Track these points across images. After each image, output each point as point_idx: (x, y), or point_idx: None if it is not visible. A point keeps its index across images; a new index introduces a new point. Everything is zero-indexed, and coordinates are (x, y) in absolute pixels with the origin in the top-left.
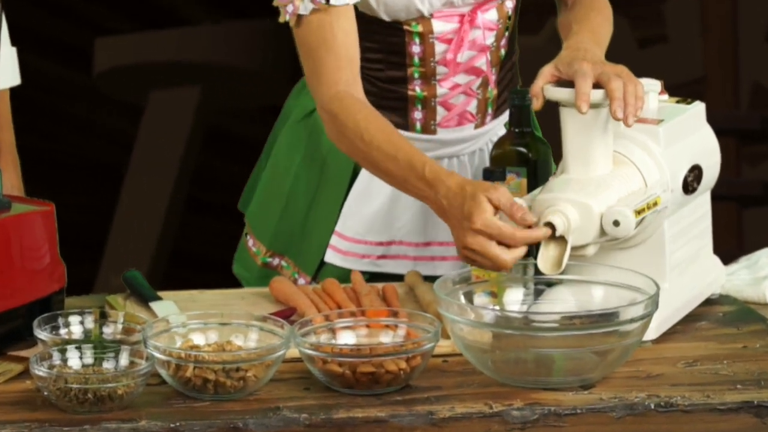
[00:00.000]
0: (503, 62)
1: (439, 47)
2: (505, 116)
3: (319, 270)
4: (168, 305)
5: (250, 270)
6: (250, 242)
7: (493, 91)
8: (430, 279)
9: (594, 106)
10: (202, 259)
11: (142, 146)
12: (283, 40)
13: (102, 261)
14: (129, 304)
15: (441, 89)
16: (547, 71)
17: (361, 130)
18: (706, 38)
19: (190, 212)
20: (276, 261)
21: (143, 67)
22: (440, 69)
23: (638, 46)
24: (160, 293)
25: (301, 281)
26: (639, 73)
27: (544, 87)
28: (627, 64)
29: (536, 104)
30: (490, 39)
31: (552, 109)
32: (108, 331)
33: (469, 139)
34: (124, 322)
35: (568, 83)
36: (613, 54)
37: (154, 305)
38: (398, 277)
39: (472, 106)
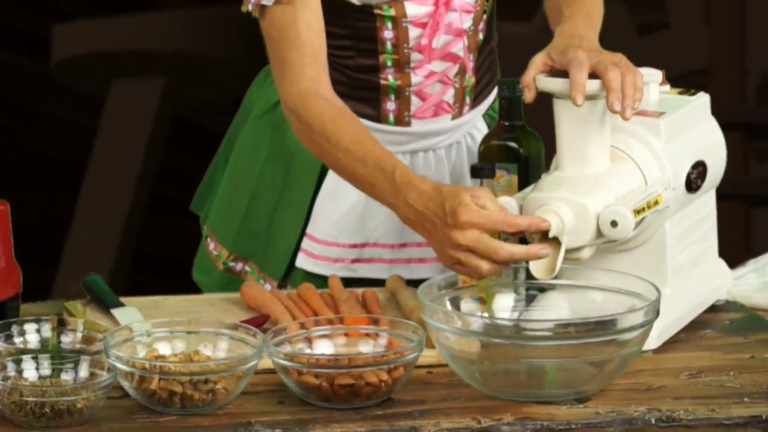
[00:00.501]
0: (481, 48)
1: (413, 32)
2: (483, 107)
3: (288, 275)
4: (131, 312)
5: (210, 276)
6: (211, 246)
7: (470, 79)
8: (411, 283)
9: (590, 97)
10: (167, 263)
11: (103, 141)
12: (254, 27)
13: (60, 265)
14: (89, 311)
15: (416, 77)
16: (539, 60)
17: (327, 132)
18: (711, 25)
19: (155, 212)
20: (239, 266)
21: (105, 55)
22: (414, 56)
23: (638, 33)
24: (123, 299)
25: (267, 287)
26: (638, 62)
27: (536, 77)
28: (625, 52)
29: (528, 96)
30: (467, 23)
31: (545, 101)
32: (66, 340)
33: (446, 131)
34: (84, 331)
35: (562, 73)
36: (611, 41)
37: (116, 312)
38: (374, 282)
39: (449, 95)
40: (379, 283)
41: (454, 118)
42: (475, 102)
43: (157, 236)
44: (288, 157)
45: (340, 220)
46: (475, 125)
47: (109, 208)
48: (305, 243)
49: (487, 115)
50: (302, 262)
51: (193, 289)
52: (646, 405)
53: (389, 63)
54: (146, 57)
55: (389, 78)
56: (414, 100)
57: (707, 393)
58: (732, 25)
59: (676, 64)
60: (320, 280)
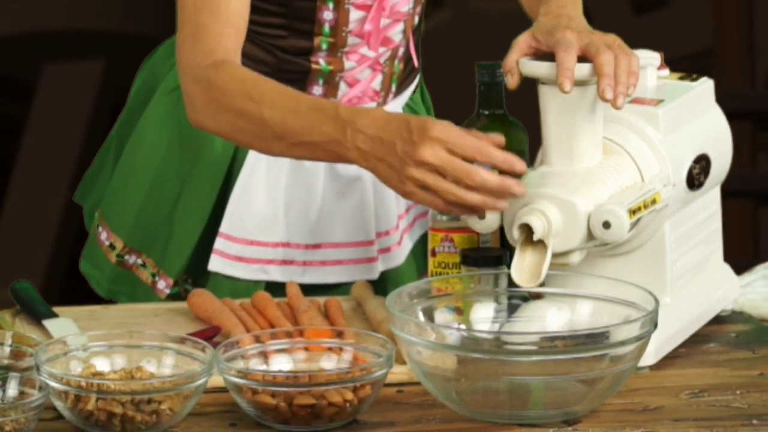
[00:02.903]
0: (414, 31)
1: (354, 14)
2: (405, 96)
3: (204, 283)
4: (65, 323)
5: (101, 268)
6: (103, 235)
7: (399, 65)
8: (319, 288)
9: (579, 83)
10: None
11: (34, 132)
12: None
13: None
14: (18, 322)
15: (348, 63)
16: (522, 42)
17: (248, 88)
18: (715, 1)
19: None
20: (132, 259)
21: (36, 35)
22: (352, 40)
23: (633, 12)
24: (56, 309)
25: (161, 284)
26: (634, 43)
27: (519, 61)
28: (620, 33)
29: (510, 81)
30: (408, 5)
31: (529, 87)
32: None
33: None
34: (13, 345)
35: (548, 56)
36: (603, 21)
37: (48, 323)
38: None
39: (377, 81)
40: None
41: (378, 106)
42: (399, 89)
43: None
44: (197, 139)
45: (257, 215)
46: None
47: (42, 208)
48: (219, 243)
49: (407, 106)
50: (216, 264)
51: None
52: (643, 427)
53: (324, 46)
54: (83, 37)
55: (321, 62)
56: (342, 86)
57: (711, 414)
58: (738, 2)
59: (676, 46)
60: (240, 287)
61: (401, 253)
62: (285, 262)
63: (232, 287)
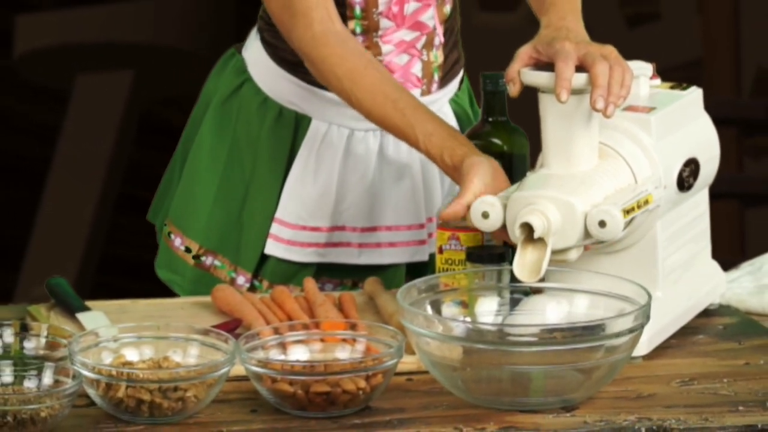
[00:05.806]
0: (447, 21)
1: None
2: (450, 90)
3: (261, 266)
4: (97, 316)
5: (181, 273)
6: (177, 241)
7: (438, 55)
8: (378, 269)
9: (576, 92)
10: (135, 265)
11: (68, 138)
12: (225, 16)
13: (23, 267)
14: (53, 315)
15: (385, 47)
16: (524, 53)
17: (345, 89)
18: (703, 15)
19: (123, 212)
20: (209, 260)
21: (70, 47)
22: (384, 23)
23: (627, 25)
24: (88, 303)
25: (241, 279)
26: (628, 54)
27: (521, 71)
28: (614, 45)
29: (513, 90)
30: None
31: (530, 95)
32: (29, 345)
33: None
34: (48, 336)
35: (549, 66)
36: (599, 34)
37: (81, 316)
38: (344, 268)
39: (417, 68)
40: (349, 268)
41: (423, 94)
42: (443, 81)
43: (125, 237)
44: (254, 140)
45: (309, 202)
46: (441, 109)
47: (75, 209)
48: (274, 228)
49: (452, 101)
50: (272, 248)
51: (163, 292)
52: (636, 413)
53: (358, 30)
54: (113, 49)
55: None
56: None
57: (700, 401)
58: (726, 15)
59: (667, 57)
60: (293, 268)
61: None
62: (341, 244)
63: (289, 272)
